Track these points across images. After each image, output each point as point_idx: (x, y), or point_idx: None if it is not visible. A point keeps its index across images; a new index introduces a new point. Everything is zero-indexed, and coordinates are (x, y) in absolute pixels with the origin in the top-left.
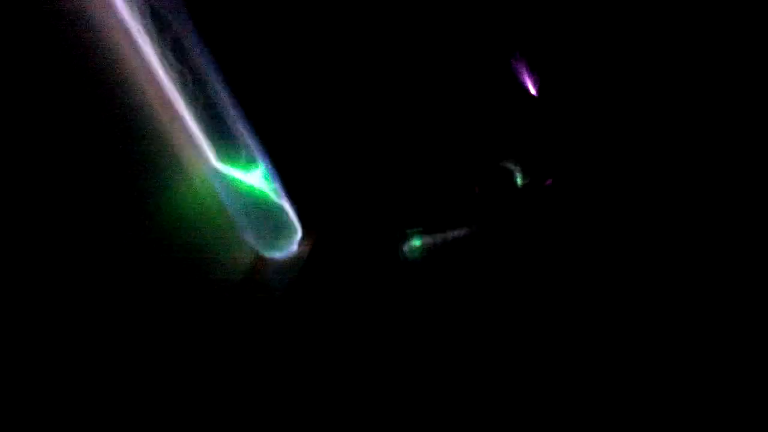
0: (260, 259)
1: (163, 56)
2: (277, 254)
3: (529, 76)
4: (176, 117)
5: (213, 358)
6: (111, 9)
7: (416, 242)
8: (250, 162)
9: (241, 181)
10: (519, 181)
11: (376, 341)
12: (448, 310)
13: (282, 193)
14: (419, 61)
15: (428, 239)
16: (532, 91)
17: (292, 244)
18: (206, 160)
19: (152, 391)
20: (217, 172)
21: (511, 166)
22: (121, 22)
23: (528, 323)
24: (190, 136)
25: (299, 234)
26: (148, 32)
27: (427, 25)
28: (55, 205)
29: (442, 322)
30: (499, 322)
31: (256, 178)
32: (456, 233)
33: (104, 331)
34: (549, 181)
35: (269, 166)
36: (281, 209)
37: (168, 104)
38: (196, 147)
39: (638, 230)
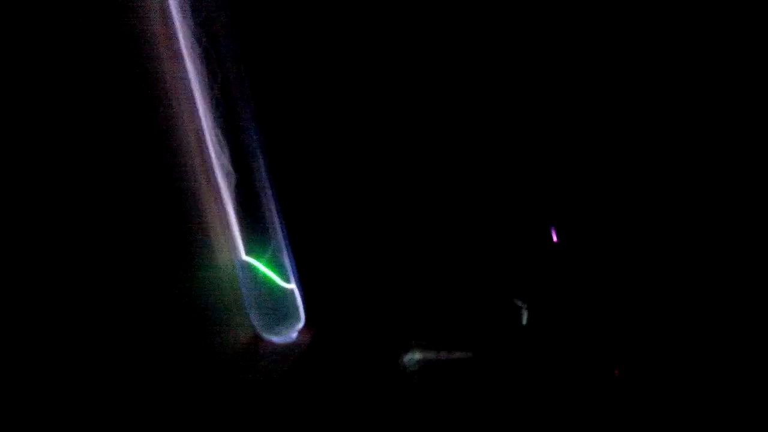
0: (257, 339)
1: (215, 131)
2: (276, 339)
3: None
4: (218, 199)
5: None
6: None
7: (417, 355)
8: (275, 253)
9: (262, 273)
10: (524, 319)
11: None
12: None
13: (294, 281)
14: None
15: (430, 354)
16: (554, 237)
17: (293, 332)
18: (235, 249)
19: None
20: (243, 262)
21: (519, 303)
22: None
23: None
24: (225, 220)
25: (301, 323)
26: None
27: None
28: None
29: None
30: None
31: (274, 263)
32: (458, 355)
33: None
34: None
35: (289, 254)
36: (289, 296)
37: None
38: (228, 233)
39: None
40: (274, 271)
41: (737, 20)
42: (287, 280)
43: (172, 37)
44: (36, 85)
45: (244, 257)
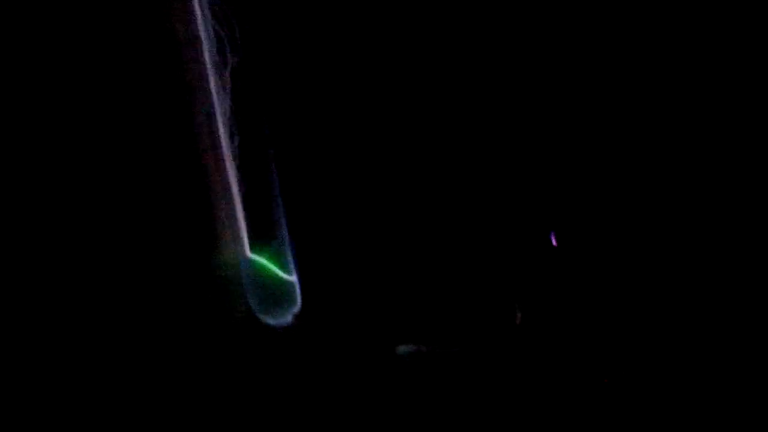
0: (252, 319)
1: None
2: (271, 320)
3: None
4: (227, 190)
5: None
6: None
7: (411, 347)
8: (280, 248)
9: (265, 267)
10: (518, 320)
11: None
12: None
13: (294, 266)
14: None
15: (422, 348)
16: (554, 242)
17: (288, 316)
18: (240, 244)
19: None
20: (247, 258)
21: (515, 303)
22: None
23: None
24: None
25: (297, 308)
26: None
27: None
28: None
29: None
30: None
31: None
32: (450, 350)
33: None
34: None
35: (291, 242)
36: (289, 281)
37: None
38: (235, 229)
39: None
40: (276, 262)
41: (737, 20)
42: (288, 272)
43: (188, 22)
44: (50, 72)
45: (248, 249)
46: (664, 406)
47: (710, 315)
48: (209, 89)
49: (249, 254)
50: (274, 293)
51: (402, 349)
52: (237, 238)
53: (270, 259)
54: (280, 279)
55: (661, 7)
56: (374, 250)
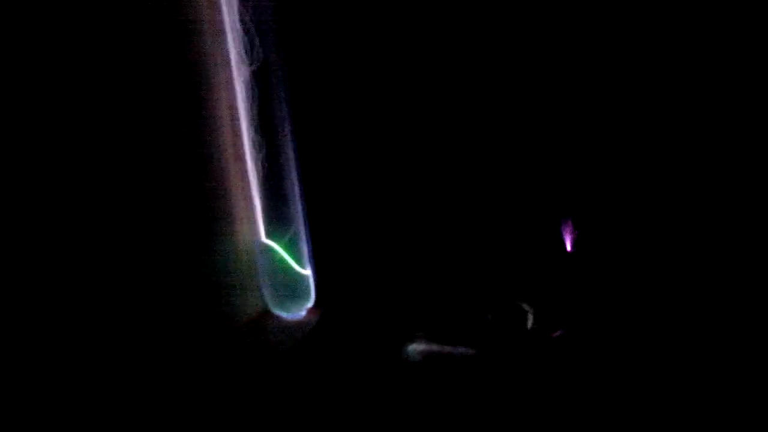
0: (266, 313)
1: (251, 122)
2: (284, 314)
3: (568, 233)
4: (245, 177)
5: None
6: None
7: (421, 346)
8: (295, 239)
9: (280, 257)
10: (529, 324)
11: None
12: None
13: (309, 260)
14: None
15: (433, 347)
16: (568, 246)
17: (302, 310)
18: (257, 230)
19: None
20: (263, 245)
21: (526, 307)
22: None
23: None
24: (250, 205)
25: (311, 302)
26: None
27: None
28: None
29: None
30: None
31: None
32: (461, 350)
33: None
34: (558, 333)
35: (308, 240)
36: (303, 274)
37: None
38: (252, 216)
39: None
40: (292, 256)
41: (737, 20)
42: (303, 266)
43: (215, 9)
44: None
45: (264, 239)
46: (668, 406)
47: (712, 316)
48: (233, 80)
49: (264, 241)
50: (288, 285)
51: (411, 348)
52: (253, 225)
53: (285, 248)
54: (294, 271)
55: (661, 7)
56: (390, 251)
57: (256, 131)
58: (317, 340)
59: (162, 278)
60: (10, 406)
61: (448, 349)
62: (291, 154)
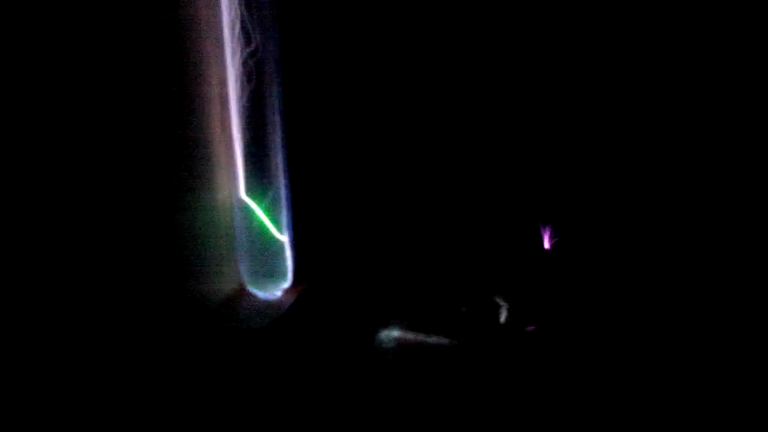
0: (242, 291)
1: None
2: (260, 293)
3: (546, 233)
4: (229, 138)
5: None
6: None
7: (394, 333)
8: (275, 204)
9: (258, 218)
10: (503, 318)
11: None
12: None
13: (289, 243)
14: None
15: (406, 335)
16: (546, 243)
17: (278, 290)
18: (237, 189)
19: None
20: (241, 203)
21: (501, 301)
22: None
23: None
24: (232, 162)
25: (288, 283)
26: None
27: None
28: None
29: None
30: None
31: (273, 221)
32: (433, 339)
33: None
34: (531, 328)
35: (288, 208)
36: (282, 255)
37: (226, 122)
38: (233, 173)
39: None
40: (271, 219)
41: (737, 21)
42: (281, 231)
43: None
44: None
45: (243, 197)
46: (662, 406)
47: (688, 313)
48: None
49: (243, 198)
50: (267, 262)
51: (385, 334)
52: (233, 182)
53: (264, 209)
54: (274, 241)
55: (661, 7)
56: (370, 236)
57: (243, 82)
58: (291, 321)
59: (137, 231)
60: None
61: (421, 337)
62: (278, 115)
